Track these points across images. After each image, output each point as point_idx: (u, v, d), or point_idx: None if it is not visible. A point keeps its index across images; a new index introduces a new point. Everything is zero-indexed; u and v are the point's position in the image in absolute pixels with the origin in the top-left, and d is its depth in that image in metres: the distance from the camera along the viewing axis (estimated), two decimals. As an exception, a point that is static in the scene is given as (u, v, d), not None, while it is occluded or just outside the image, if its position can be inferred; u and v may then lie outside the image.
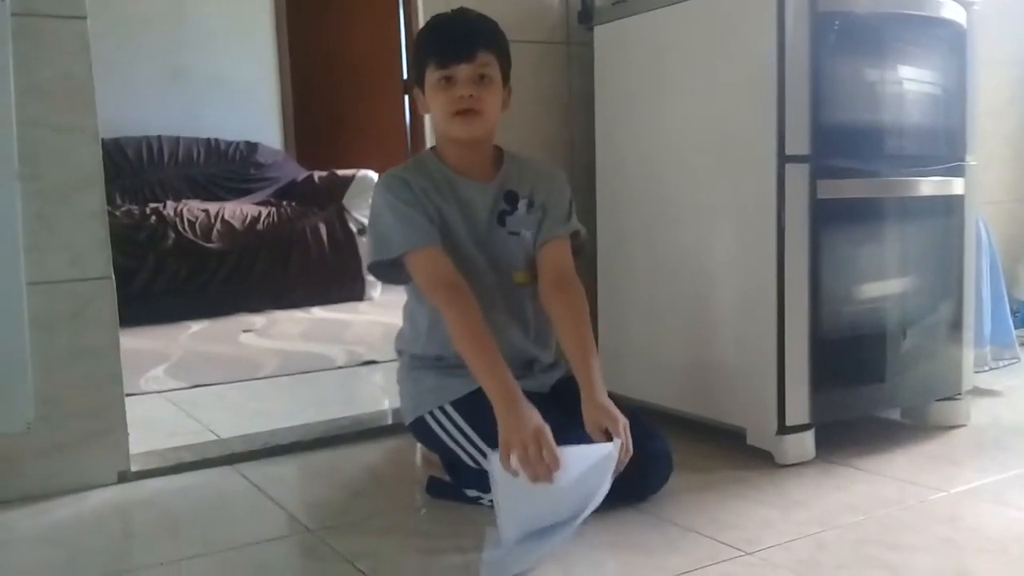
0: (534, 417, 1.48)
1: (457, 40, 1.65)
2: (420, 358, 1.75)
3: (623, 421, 1.54)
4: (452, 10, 1.74)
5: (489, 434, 1.56)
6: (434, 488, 1.71)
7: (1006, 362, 2.44)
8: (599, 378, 1.61)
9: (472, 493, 1.64)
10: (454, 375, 1.67)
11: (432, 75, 1.66)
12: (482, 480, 1.59)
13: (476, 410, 1.61)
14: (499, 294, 1.73)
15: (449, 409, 1.66)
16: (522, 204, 1.75)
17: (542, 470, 1.43)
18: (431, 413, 1.68)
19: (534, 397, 1.58)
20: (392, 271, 1.71)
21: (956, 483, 1.72)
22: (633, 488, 1.60)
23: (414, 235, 1.65)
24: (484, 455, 1.59)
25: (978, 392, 2.25)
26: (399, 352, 1.83)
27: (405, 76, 5.70)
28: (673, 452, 1.67)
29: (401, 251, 1.65)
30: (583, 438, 1.55)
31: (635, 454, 1.57)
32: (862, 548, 1.43)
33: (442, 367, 1.71)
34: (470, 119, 1.66)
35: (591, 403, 1.57)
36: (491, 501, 1.58)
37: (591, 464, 1.48)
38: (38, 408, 1.75)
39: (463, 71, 1.63)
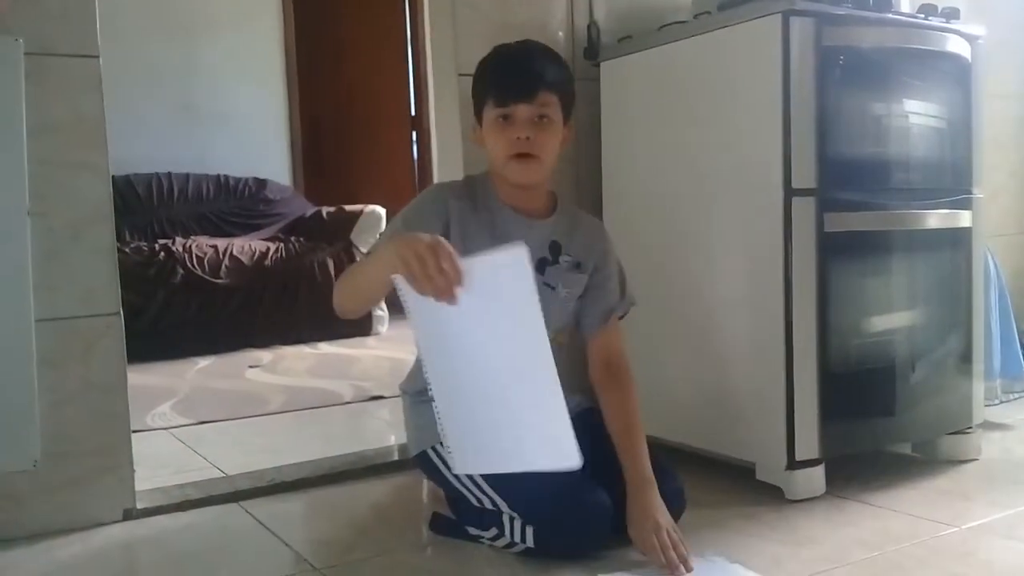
0: (428, 234, 1.32)
1: (519, 77, 1.59)
2: (423, 392, 1.74)
3: (664, 527, 1.50)
4: (518, 42, 1.67)
5: (491, 474, 1.56)
6: (438, 525, 1.70)
7: (1016, 395, 2.43)
8: (648, 477, 1.57)
9: (473, 531, 1.63)
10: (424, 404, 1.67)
11: (490, 112, 1.60)
12: (483, 518, 1.59)
13: None
14: None
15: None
16: (565, 260, 1.69)
17: (442, 283, 1.26)
18: (433, 448, 1.67)
19: None
20: None
21: (968, 518, 1.70)
22: (618, 528, 1.59)
23: (432, 213, 1.61)
24: (485, 493, 1.58)
25: (989, 425, 2.23)
26: (402, 392, 1.81)
27: (413, 113, 5.74)
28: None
29: (412, 229, 1.54)
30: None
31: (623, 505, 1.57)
32: (874, 585, 1.42)
33: None
34: (527, 164, 1.60)
35: (637, 506, 1.54)
36: (490, 540, 1.58)
37: (498, 273, 1.28)
38: (45, 445, 1.74)
39: (522, 111, 1.57)
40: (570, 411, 1.73)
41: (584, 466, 1.56)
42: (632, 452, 1.60)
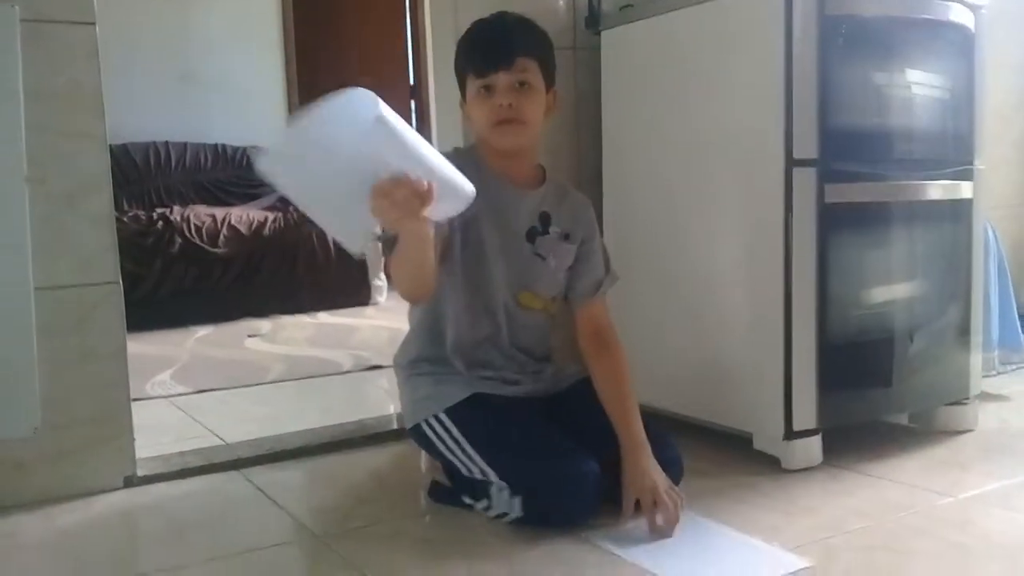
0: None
1: (494, 47, 1.61)
2: (416, 363, 1.74)
3: (662, 486, 1.53)
4: (491, 15, 1.69)
5: (481, 443, 1.59)
6: (436, 493, 1.71)
7: (1014, 366, 2.44)
8: (642, 440, 1.59)
9: (467, 500, 1.63)
10: (448, 383, 1.67)
11: (472, 85, 1.62)
12: (476, 488, 1.60)
13: (469, 419, 1.62)
14: (497, 308, 1.69)
15: (443, 417, 1.65)
16: (554, 231, 1.72)
17: (415, 201, 1.33)
18: (427, 421, 1.67)
19: (529, 401, 1.67)
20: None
21: (965, 488, 1.71)
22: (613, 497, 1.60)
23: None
24: (476, 464, 1.59)
25: (986, 396, 2.24)
26: (396, 365, 1.81)
27: (412, 82, 5.70)
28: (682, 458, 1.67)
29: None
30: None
31: (619, 471, 1.59)
32: (870, 554, 1.43)
33: (437, 374, 1.70)
34: (511, 129, 1.62)
35: (633, 467, 1.57)
36: (483, 510, 1.59)
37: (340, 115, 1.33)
38: (45, 413, 1.75)
39: (502, 79, 1.59)
40: (568, 379, 1.75)
41: (575, 435, 1.59)
42: (625, 417, 1.62)
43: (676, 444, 1.68)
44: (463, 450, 1.61)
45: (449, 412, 1.64)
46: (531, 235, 1.70)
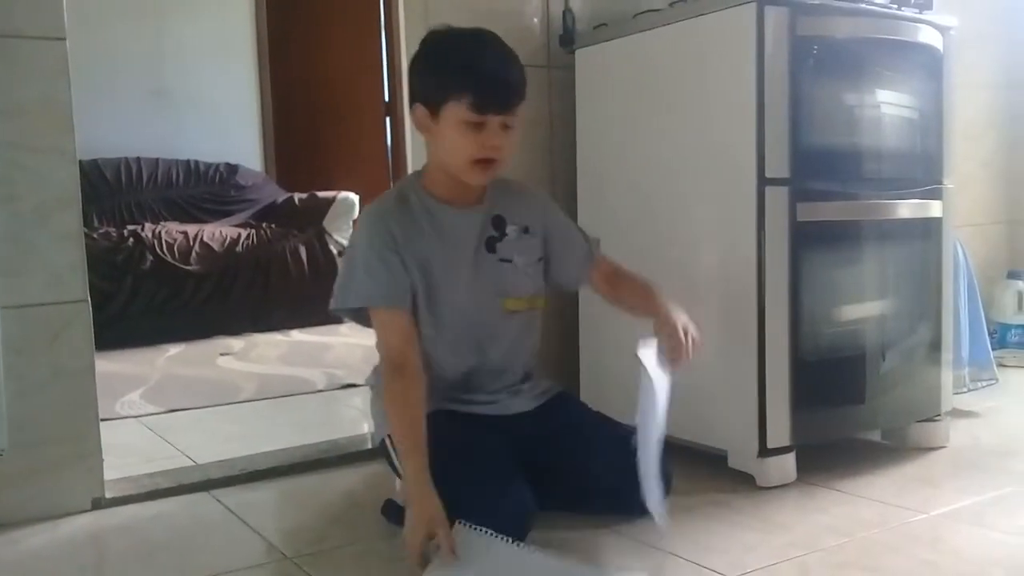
0: (434, 508, 1.45)
1: (501, 91, 1.57)
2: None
3: (680, 324, 1.60)
4: (488, 38, 1.62)
5: (440, 469, 1.54)
6: (388, 511, 1.69)
7: (984, 383, 2.46)
8: (665, 299, 1.65)
9: None
10: None
11: (459, 110, 1.55)
12: None
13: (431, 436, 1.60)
14: (478, 324, 1.69)
15: None
16: (512, 230, 1.71)
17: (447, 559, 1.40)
18: (388, 437, 1.66)
19: (508, 420, 1.67)
20: (354, 312, 1.68)
21: (937, 505, 1.72)
22: (631, 507, 1.58)
23: (379, 294, 1.61)
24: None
25: (957, 413, 2.26)
26: (369, 385, 1.80)
27: (387, 99, 5.70)
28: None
29: (361, 305, 1.63)
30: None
31: (636, 475, 1.56)
32: (844, 571, 1.43)
33: None
34: (490, 169, 1.60)
35: (659, 312, 1.63)
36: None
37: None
38: (12, 433, 1.72)
39: (495, 120, 1.56)
40: (543, 395, 1.76)
41: (514, 461, 1.59)
42: (646, 290, 1.70)
43: (668, 459, 1.63)
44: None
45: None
46: (491, 244, 1.69)
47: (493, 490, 1.51)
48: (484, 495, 1.50)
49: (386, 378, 1.60)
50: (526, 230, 1.72)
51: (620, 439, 1.62)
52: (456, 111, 1.56)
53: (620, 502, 1.60)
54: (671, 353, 1.57)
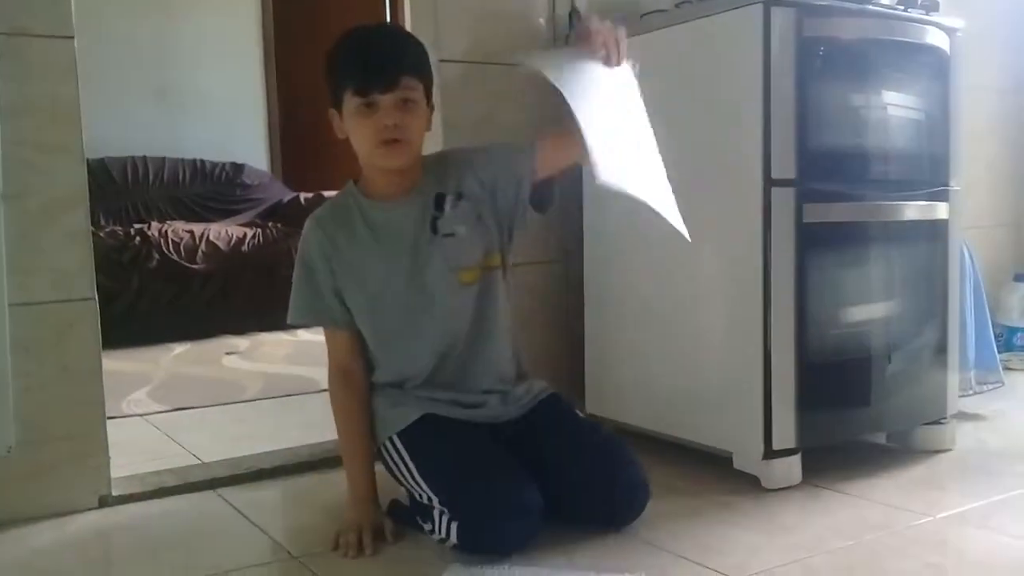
0: (369, 515, 1.60)
1: (379, 65, 1.55)
2: (377, 384, 1.73)
3: (605, 31, 1.55)
4: (371, 25, 1.66)
5: (426, 467, 1.58)
6: (395, 513, 1.69)
7: (991, 386, 2.45)
8: None
9: (420, 522, 1.61)
10: (402, 404, 1.67)
11: (351, 101, 1.56)
12: (424, 511, 1.59)
13: (418, 443, 1.62)
14: (431, 310, 1.66)
15: (396, 440, 1.64)
16: (448, 201, 1.66)
17: (345, 556, 1.53)
18: (383, 444, 1.67)
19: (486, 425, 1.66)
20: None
21: (942, 508, 1.72)
22: (609, 518, 1.60)
23: (309, 314, 1.69)
24: (422, 488, 1.58)
25: (963, 416, 2.25)
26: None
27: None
28: (658, 477, 1.67)
29: (292, 322, 1.71)
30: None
31: (610, 484, 1.59)
32: (849, 574, 1.43)
33: (393, 396, 1.69)
34: (395, 149, 1.58)
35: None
36: (430, 531, 1.56)
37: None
38: (19, 431, 1.72)
39: (386, 99, 1.54)
40: (534, 399, 1.73)
41: (530, 461, 1.58)
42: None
43: (640, 464, 1.64)
44: (411, 474, 1.61)
45: (401, 435, 1.64)
46: (434, 223, 1.65)
47: (501, 487, 1.51)
48: (493, 492, 1.50)
49: (331, 388, 1.71)
50: (459, 196, 1.67)
51: (602, 448, 1.63)
52: (350, 104, 1.57)
53: (598, 511, 1.59)
54: (592, 37, 1.53)
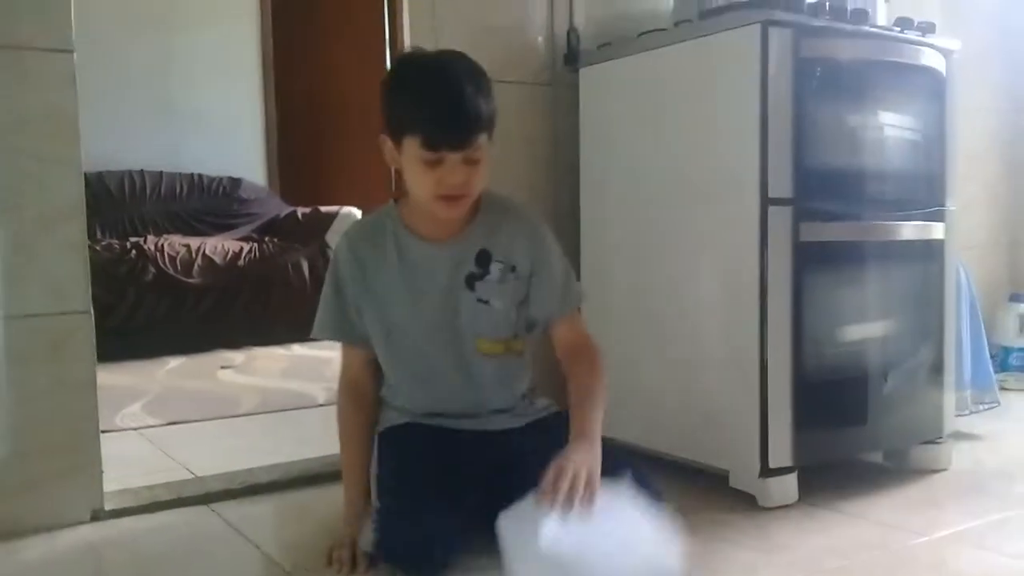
0: (352, 534, 1.57)
1: (456, 126, 1.46)
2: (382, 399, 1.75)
3: (568, 469, 1.39)
4: (447, 67, 1.50)
5: (382, 474, 1.60)
6: None
7: (987, 406, 2.46)
8: (584, 431, 1.49)
9: None
10: (390, 409, 1.70)
11: (415, 148, 1.47)
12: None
13: (386, 449, 1.64)
14: (442, 365, 1.64)
15: (375, 442, 1.67)
16: (495, 268, 1.60)
17: (339, 573, 1.52)
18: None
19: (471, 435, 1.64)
20: None
21: (938, 527, 1.71)
22: None
23: (328, 328, 1.68)
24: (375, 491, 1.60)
25: (959, 436, 2.26)
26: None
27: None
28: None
29: (315, 336, 1.70)
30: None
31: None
32: (846, 593, 1.42)
33: (387, 402, 1.72)
34: (456, 205, 1.53)
35: (564, 451, 1.46)
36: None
37: None
38: (11, 443, 1.72)
39: (455, 156, 1.47)
40: (534, 413, 1.71)
41: (453, 485, 1.54)
42: (578, 410, 1.53)
43: (658, 487, 1.59)
44: (375, 476, 1.62)
45: (380, 436, 1.67)
46: (471, 281, 1.60)
47: (411, 520, 1.49)
48: (402, 523, 1.50)
49: (340, 400, 1.70)
50: (512, 269, 1.61)
51: (610, 468, 1.58)
52: (412, 148, 1.48)
53: None
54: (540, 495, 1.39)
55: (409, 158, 1.50)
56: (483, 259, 1.61)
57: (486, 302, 1.61)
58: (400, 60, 1.59)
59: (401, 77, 1.55)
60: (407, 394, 1.69)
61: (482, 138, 1.49)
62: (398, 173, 1.55)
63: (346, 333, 1.67)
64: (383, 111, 1.54)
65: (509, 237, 1.62)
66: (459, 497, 1.54)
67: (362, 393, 1.69)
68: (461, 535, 1.51)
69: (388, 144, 1.55)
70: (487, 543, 1.52)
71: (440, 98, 1.47)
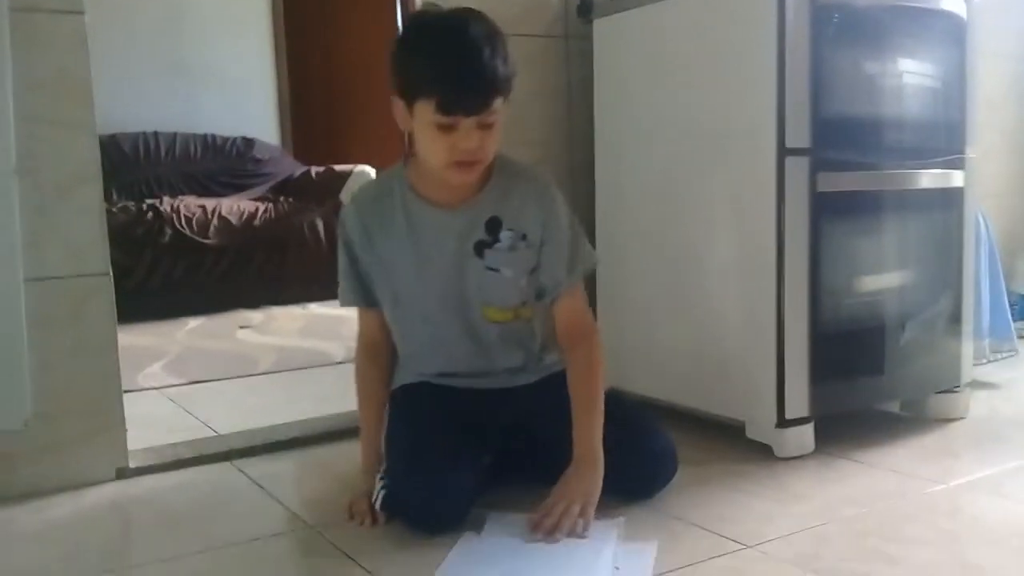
0: (367, 486, 1.59)
1: (471, 89, 1.42)
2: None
3: (570, 501, 1.45)
4: (461, 28, 1.44)
5: (391, 433, 1.62)
6: None
7: (1004, 355, 2.45)
8: (586, 452, 1.52)
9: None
10: (402, 367, 1.72)
11: (428, 112, 1.43)
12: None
13: (396, 408, 1.67)
14: (451, 332, 1.64)
15: (389, 402, 1.70)
16: (506, 236, 1.58)
17: (360, 525, 1.54)
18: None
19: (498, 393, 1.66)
20: None
21: (955, 476, 1.72)
22: (639, 486, 1.61)
23: (351, 295, 1.68)
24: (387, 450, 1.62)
25: (977, 384, 2.25)
26: None
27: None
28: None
29: (344, 306, 1.71)
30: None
31: (638, 452, 1.59)
32: (863, 541, 1.43)
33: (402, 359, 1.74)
34: (469, 170, 1.50)
35: (565, 475, 1.51)
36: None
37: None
38: (36, 405, 1.74)
39: (470, 121, 1.43)
40: (544, 370, 1.71)
41: (470, 440, 1.58)
42: (581, 419, 1.54)
43: (669, 434, 1.65)
44: (386, 434, 1.64)
45: (392, 395, 1.69)
46: (480, 249, 1.58)
47: (423, 475, 1.50)
48: (414, 478, 1.51)
49: (357, 360, 1.72)
50: (523, 237, 1.59)
51: (626, 419, 1.61)
52: (426, 111, 1.44)
53: (624, 481, 1.58)
54: (542, 529, 1.43)
55: (421, 122, 1.46)
56: (493, 226, 1.58)
57: (496, 270, 1.59)
58: (413, 19, 1.55)
59: (414, 38, 1.50)
60: (418, 357, 1.70)
61: (498, 102, 1.45)
62: (409, 135, 1.52)
63: (367, 299, 1.68)
64: (394, 72, 1.50)
65: (520, 203, 1.59)
66: (468, 455, 1.56)
67: (379, 352, 1.71)
68: (470, 493, 1.53)
69: (400, 106, 1.50)
70: (496, 500, 1.56)
71: (456, 60, 1.42)
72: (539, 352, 1.72)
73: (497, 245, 1.59)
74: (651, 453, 1.61)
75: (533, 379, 1.71)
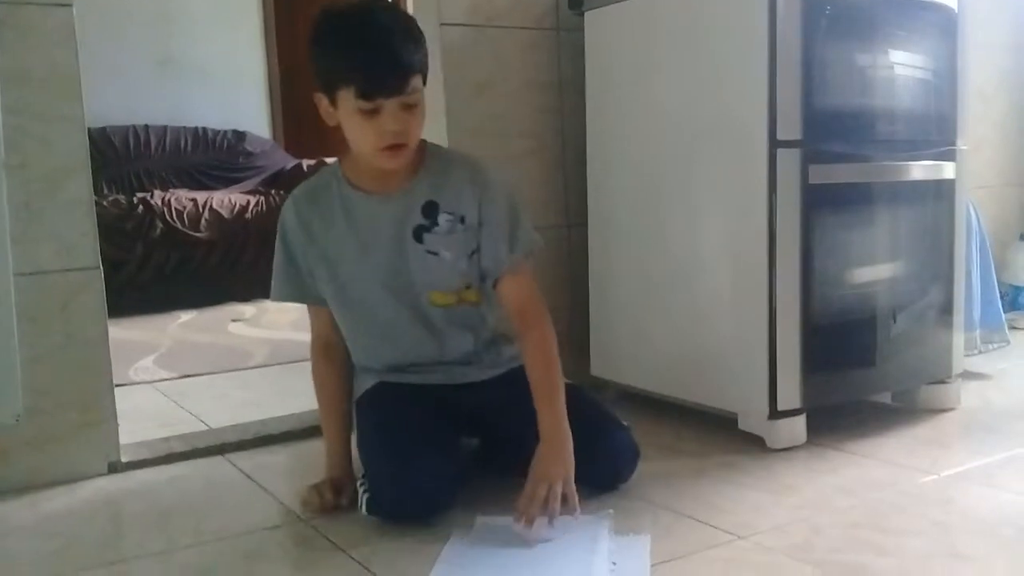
0: (336, 470, 1.65)
1: (388, 70, 1.44)
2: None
3: (552, 480, 1.44)
4: (367, 21, 1.46)
5: (362, 438, 1.63)
6: None
7: (996, 345, 2.46)
8: (554, 430, 1.51)
9: None
10: (361, 373, 1.72)
11: (350, 100, 1.45)
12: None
13: (363, 413, 1.67)
14: (397, 319, 1.64)
15: (355, 409, 1.70)
16: (444, 220, 1.59)
17: (325, 508, 1.58)
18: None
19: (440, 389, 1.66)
20: None
21: (947, 466, 1.72)
22: (602, 478, 1.61)
23: (285, 289, 1.68)
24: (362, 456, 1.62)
25: (968, 375, 2.26)
26: None
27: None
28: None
29: (275, 300, 1.71)
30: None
31: (599, 446, 1.59)
32: (854, 531, 1.44)
33: (358, 364, 1.73)
34: (398, 153, 1.51)
35: (538, 456, 1.50)
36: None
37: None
38: (27, 400, 1.73)
39: (391, 103, 1.45)
40: (503, 364, 1.71)
41: (441, 431, 1.59)
42: (543, 402, 1.53)
43: (624, 430, 1.64)
44: (358, 444, 1.65)
45: (356, 404, 1.69)
46: (419, 234, 1.59)
47: (399, 465, 1.50)
48: (391, 470, 1.51)
49: (313, 360, 1.72)
50: (462, 220, 1.60)
51: (584, 413, 1.59)
52: (348, 100, 1.46)
53: (583, 475, 1.54)
54: (526, 514, 1.42)
55: (346, 111, 1.48)
56: (430, 210, 1.60)
57: (435, 253, 1.60)
58: (322, 13, 1.52)
59: (325, 30, 1.51)
60: (369, 350, 1.69)
61: (416, 81, 1.47)
62: (339, 130, 1.53)
63: (306, 294, 1.68)
64: (313, 69, 1.52)
65: (456, 187, 1.61)
66: (441, 439, 1.58)
67: (334, 351, 1.71)
68: (451, 475, 1.54)
69: (324, 102, 1.52)
70: (475, 491, 1.57)
71: (368, 44, 1.45)
72: (492, 340, 1.72)
73: (436, 229, 1.60)
74: (613, 449, 1.61)
75: (488, 375, 1.70)
